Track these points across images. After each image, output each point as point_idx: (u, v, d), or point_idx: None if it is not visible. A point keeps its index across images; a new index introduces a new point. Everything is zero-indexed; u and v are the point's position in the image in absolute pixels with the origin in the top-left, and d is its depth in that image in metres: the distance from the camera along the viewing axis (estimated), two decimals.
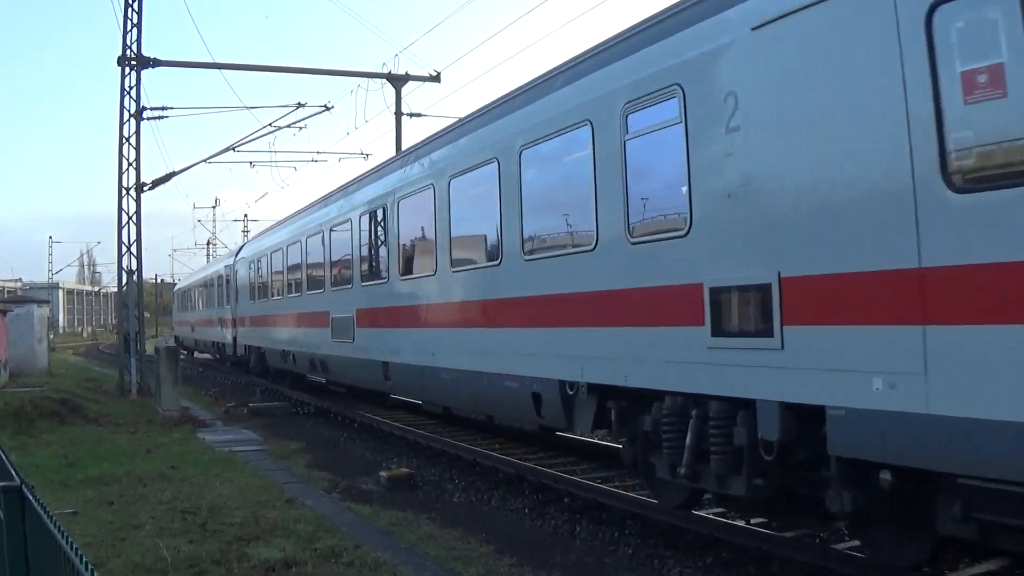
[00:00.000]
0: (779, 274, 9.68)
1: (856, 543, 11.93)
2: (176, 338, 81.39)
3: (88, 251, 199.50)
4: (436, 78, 42.81)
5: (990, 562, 10.92)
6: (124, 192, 37.41)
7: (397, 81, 42.25)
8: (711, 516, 13.40)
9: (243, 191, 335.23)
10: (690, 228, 11.06)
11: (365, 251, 23.74)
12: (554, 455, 19.28)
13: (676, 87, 11.31)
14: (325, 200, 29.48)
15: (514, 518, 15.14)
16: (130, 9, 36.40)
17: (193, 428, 26.18)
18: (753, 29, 10.13)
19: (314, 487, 17.32)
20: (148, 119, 38.18)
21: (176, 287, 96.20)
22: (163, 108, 39.21)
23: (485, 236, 16.78)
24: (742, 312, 10.33)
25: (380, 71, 41.94)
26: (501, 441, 21.39)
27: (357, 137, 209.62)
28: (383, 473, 18.14)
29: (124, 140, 37.21)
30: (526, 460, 18.65)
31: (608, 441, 18.53)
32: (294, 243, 31.70)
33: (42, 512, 5.68)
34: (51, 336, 68.35)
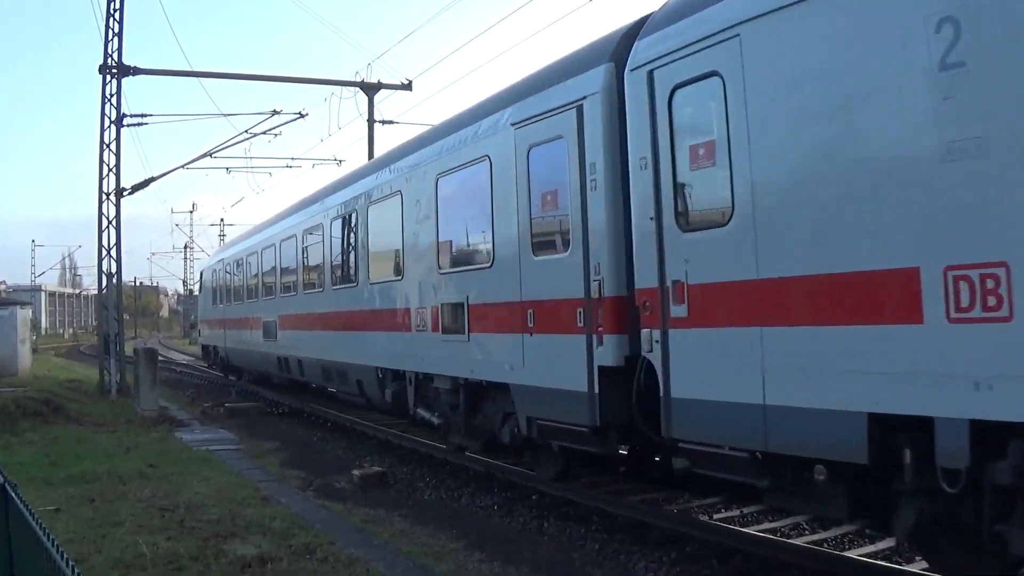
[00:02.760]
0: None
1: (816, 536, 12.13)
2: (211, 351, 48.38)
3: (69, 255, 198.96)
4: (408, 87, 42.83)
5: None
6: (104, 197, 37.19)
7: (370, 89, 42.28)
8: (676, 511, 13.50)
9: (218, 197, 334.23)
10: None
11: None
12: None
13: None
14: None
15: (484, 515, 15.15)
16: (112, 19, 36.25)
17: (171, 428, 25.92)
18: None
19: (288, 485, 17.22)
20: (128, 126, 37.97)
21: (213, 259, 51.77)
22: (143, 115, 39.02)
23: None
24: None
25: (353, 80, 42.05)
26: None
27: (331, 143, 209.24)
28: (356, 472, 18.14)
29: (104, 146, 37.00)
30: (495, 459, 18.61)
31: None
32: None
33: (24, 509, 5.64)
34: (34, 337, 67.69)
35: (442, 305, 17.46)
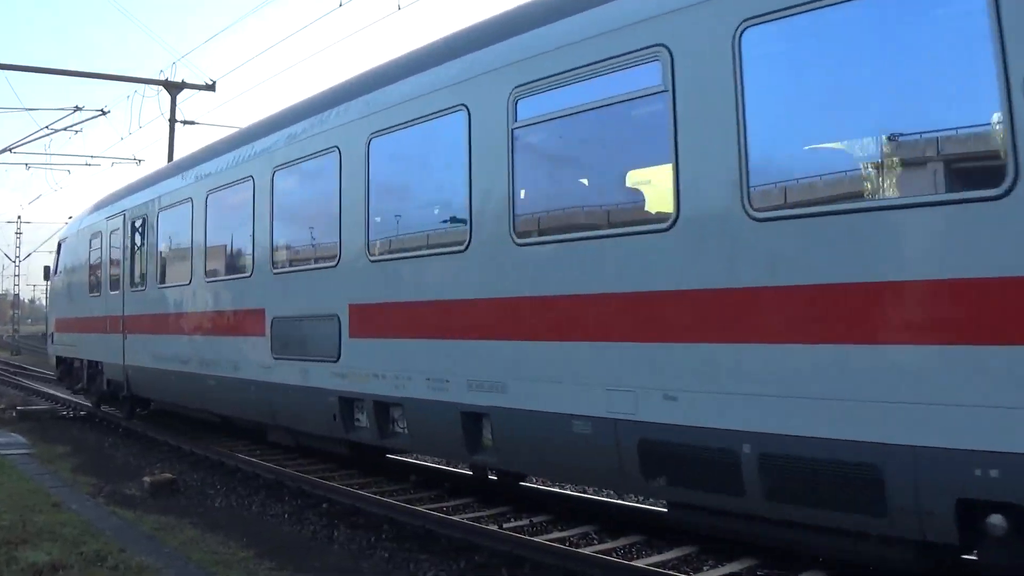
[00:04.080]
0: None
1: (604, 546, 12.26)
2: (81, 369, 29.58)
3: None
4: (211, 87, 42.49)
5: (734, 563, 11.31)
6: None
7: (173, 88, 41.80)
8: (466, 521, 13.56)
9: (16, 194, 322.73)
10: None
11: None
12: (314, 462, 19.13)
13: None
14: None
15: (274, 523, 14.93)
16: None
17: None
18: None
19: (80, 491, 16.71)
20: None
21: (95, 215, 28.45)
22: None
23: None
24: None
25: (158, 78, 41.45)
26: (262, 448, 21.16)
27: (131, 142, 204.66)
28: (146, 478, 17.61)
29: None
30: (286, 467, 18.48)
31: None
32: None
33: None
34: None
35: None
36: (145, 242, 23.42)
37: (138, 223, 23.97)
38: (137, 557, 11.62)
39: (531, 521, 13.85)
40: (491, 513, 14.44)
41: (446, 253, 12.39)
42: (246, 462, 19.20)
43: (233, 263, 18.72)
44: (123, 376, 24.69)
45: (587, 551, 11.85)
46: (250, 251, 17.44)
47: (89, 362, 28.53)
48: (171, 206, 21.72)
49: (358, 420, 14.34)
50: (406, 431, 13.39)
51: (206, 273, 19.57)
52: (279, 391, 16.26)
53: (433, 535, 13.18)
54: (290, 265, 16.50)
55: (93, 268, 28.07)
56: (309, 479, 17.04)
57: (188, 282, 20.38)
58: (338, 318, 14.40)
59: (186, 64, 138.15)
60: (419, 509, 14.32)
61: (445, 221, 12.87)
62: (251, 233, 17.34)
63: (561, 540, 12.63)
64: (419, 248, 13.22)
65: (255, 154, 17.51)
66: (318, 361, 15.04)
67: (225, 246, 19.36)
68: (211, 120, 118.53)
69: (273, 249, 16.80)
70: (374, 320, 13.76)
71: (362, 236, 13.96)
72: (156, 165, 35.52)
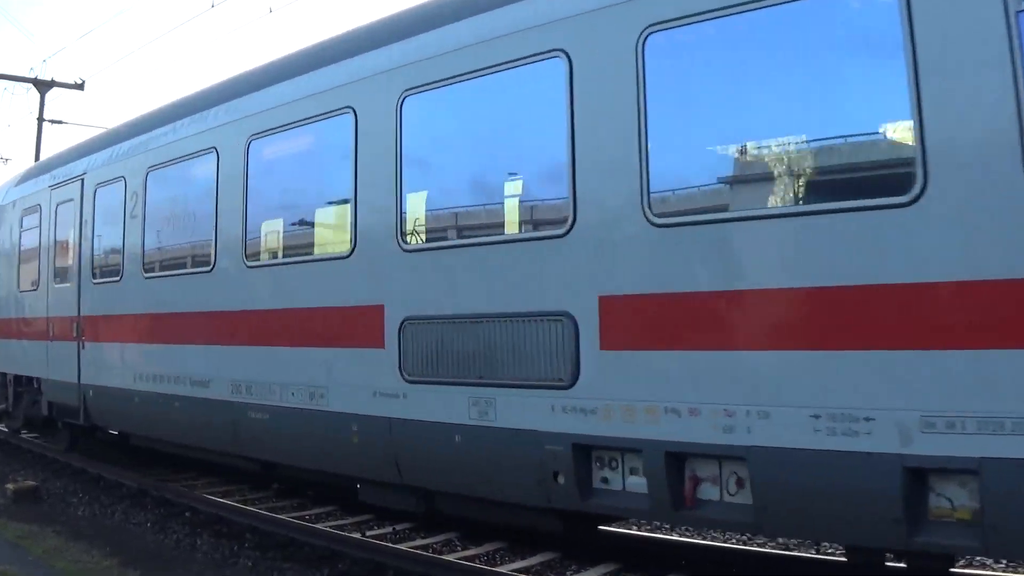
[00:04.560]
0: None
1: (467, 552, 12.41)
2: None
3: None
4: (80, 86, 42.00)
5: (598, 567, 11.52)
6: None
7: (42, 86, 41.25)
8: (328, 529, 13.62)
9: None
10: None
11: None
12: (177, 470, 18.98)
13: None
14: None
15: (137, 531, 14.83)
16: None
17: None
18: None
19: None
20: None
21: (57, 169, 20.63)
22: None
23: None
24: None
25: (27, 75, 40.98)
26: (122, 454, 20.82)
27: None
28: (9, 486, 17.36)
29: None
30: (148, 475, 18.34)
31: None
32: None
33: None
34: None
35: None
36: (124, 215, 17.12)
37: (109, 190, 17.73)
38: (1, 566, 11.55)
39: (394, 529, 13.89)
40: (354, 521, 14.51)
41: (864, 207, 7.59)
42: (108, 470, 18.88)
43: (309, 238, 13.42)
44: (77, 400, 18.62)
45: (450, 557, 12.01)
46: (350, 219, 12.03)
47: (17, 378, 22.33)
48: (175, 161, 15.87)
49: (607, 481, 9.41)
50: (747, 501, 8.26)
51: (247, 255, 13.96)
52: (417, 433, 11.10)
53: (296, 543, 13.17)
54: (437, 237, 11.45)
55: (26, 254, 21.64)
56: (172, 487, 16.95)
57: (209, 268, 14.70)
58: (572, 319, 9.45)
59: (57, 62, 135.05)
60: (282, 517, 14.36)
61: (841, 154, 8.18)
62: (351, 190, 11.98)
63: (424, 547, 12.72)
64: (787, 201, 8.34)
65: (364, 75, 12.09)
66: (521, 387, 9.94)
67: (285, 213, 13.92)
68: (79, 120, 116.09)
69: (401, 214, 11.39)
70: (667, 320, 8.83)
71: (633, 182, 8.97)
72: (24, 164, 34.74)
